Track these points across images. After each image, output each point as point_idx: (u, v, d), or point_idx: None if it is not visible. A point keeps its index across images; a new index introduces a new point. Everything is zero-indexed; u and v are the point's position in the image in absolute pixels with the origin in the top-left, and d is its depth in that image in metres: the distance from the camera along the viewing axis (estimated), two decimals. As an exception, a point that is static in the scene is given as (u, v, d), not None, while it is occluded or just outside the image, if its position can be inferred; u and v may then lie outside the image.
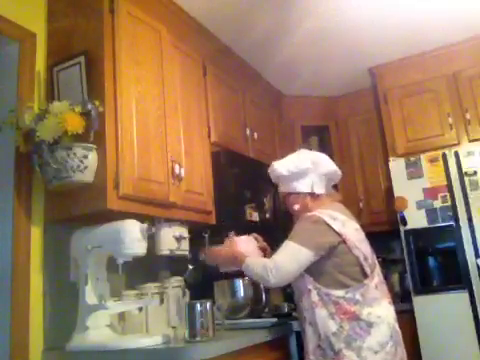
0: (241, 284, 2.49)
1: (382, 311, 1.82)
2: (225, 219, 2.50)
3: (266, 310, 2.58)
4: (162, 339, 1.78)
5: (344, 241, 1.85)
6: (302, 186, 2.01)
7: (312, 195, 2.01)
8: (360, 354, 1.73)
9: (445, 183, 2.95)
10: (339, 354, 1.75)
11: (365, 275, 1.84)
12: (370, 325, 1.77)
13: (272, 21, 2.79)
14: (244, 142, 2.98)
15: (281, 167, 2.04)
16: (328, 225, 1.86)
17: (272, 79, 3.51)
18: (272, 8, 2.67)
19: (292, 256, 1.83)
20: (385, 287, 1.93)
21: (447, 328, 2.77)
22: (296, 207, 2.03)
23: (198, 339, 1.76)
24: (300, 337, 2.22)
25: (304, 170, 2.00)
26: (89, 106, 1.83)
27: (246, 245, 2.08)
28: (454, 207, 2.89)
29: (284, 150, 3.45)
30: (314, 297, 1.83)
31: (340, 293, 1.80)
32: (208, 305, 1.82)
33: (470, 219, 2.84)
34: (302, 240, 1.84)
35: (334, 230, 1.85)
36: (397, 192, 3.08)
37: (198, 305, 1.80)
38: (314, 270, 1.85)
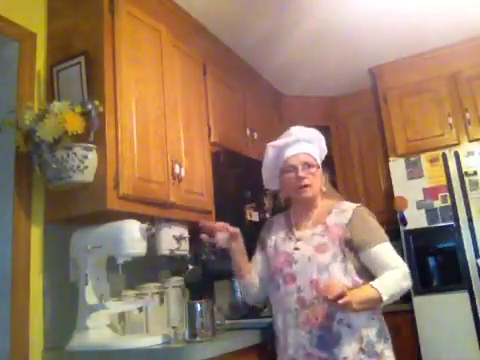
0: (241, 284, 2.48)
1: None
2: (225, 219, 2.49)
3: (266, 310, 2.58)
4: (162, 339, 1.78)
5: None
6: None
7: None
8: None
9: (445, 183, 2.95)
10: (382, 356, 1.63)
11: None
12: None
13: (272, 21, 2.79)
14: (244, 142, 2.98)
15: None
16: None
17: (272, 79, 3.51)
18: (272, 8, 2.67)
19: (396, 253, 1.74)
20: None
21: (447, 328, 2.76)
22: (324, 189, 1.85)
23: (198, 339, 1.75)
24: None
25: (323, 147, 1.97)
26: (89, 106, 1.83)
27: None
28: (454, 207, 2.89)
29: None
30: None
31: None
32: (208, 305, 1.82)
33: (470, 219, 2.84)
34: (385, 235, 1.75)
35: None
36: (397, 192, 3.08)
37: (198, 305, 1.80)
38: (355, 267, 1.71)
